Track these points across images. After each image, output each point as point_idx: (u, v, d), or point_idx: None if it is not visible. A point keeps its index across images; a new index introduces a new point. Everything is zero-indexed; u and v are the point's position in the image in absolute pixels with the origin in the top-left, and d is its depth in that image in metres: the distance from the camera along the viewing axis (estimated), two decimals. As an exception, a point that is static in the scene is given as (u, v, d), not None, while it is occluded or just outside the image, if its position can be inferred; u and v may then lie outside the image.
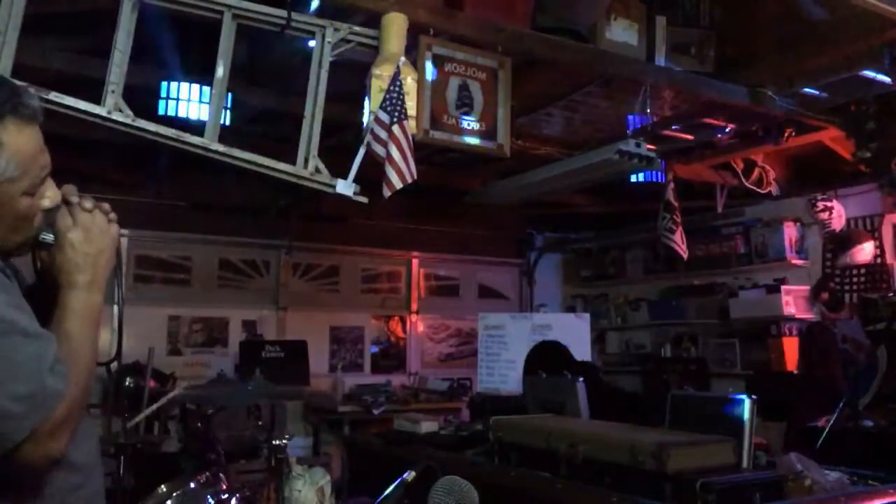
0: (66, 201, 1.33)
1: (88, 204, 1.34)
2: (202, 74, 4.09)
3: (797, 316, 6.33)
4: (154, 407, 4.17)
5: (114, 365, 1.48)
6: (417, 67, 3.57)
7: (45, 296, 1.31)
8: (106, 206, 1.38)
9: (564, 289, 9.12)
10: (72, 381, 1.20)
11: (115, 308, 1.48)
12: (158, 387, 5.69)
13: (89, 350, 1.30)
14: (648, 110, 4.62)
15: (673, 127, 5.33)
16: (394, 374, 7.72)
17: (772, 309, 6.40)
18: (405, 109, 3.36)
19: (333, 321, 7.61)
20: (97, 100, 3.18)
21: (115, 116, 3.19)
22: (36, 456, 1.18)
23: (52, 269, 1.31)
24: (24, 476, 1.22)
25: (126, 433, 3.71)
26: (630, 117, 4.99)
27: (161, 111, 4.30)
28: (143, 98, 3.94)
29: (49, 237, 1.30)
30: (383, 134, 3.33)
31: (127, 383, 5.62)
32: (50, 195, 1.31)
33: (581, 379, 3.12)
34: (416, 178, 3.43)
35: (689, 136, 5.51)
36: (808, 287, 6.33)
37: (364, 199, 3.51)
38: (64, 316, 1.28)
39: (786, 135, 5.54)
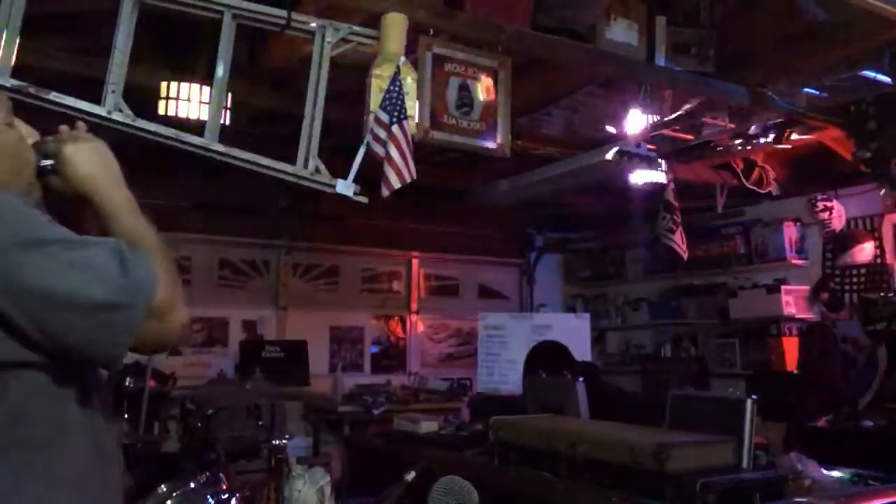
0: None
1: (64, 127, 1.36)
2: (202, 74, 4.08)
3: (797, 316, 6.33)
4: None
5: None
6: (417, 67, 3.57)
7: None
8: (80, 123, 1.39)
9: (564, 289, 9.11)
10: (154, 263, 1.20)
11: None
12: (158, 387, 5.69)
13: (152, 236, 1.29)
14: (648, 110, 4.62)
15: (674, 127, 5.32)
16: (394, 374, 7.71)
17: (772, 309, 6.40)
18: (405, 109, 3.36)
19: (333, 321, 7.60)
20: (97, 100, 3.18)
21: (115, 116, 3.19)
22: (169, 327, 1.20)
23: (68, 188, 1.31)
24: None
25: (126, 433, 3.72)
26: (630, 117, 4.99)
27: (161, 111, 4.29)
28: (143, 98, 3.94)
29: (48, 162, 1.32)
30: (383, 134, 3.32)
31: (127, 383, 5.62)
32: (25, 131, 1.33)
33: (581, 379, 3.12)
34: (415, 177, 3.43)
35: (689, 136, 5.50)
36: (808, 287, 6.33)
37: (364, 199, 3.50)
38: (109, 217, 1.29)
39: (786, 135, 5.54)
